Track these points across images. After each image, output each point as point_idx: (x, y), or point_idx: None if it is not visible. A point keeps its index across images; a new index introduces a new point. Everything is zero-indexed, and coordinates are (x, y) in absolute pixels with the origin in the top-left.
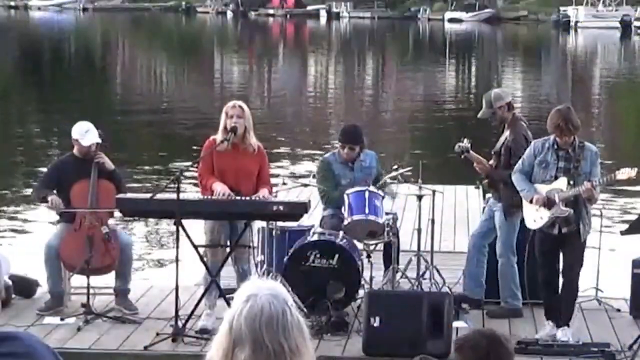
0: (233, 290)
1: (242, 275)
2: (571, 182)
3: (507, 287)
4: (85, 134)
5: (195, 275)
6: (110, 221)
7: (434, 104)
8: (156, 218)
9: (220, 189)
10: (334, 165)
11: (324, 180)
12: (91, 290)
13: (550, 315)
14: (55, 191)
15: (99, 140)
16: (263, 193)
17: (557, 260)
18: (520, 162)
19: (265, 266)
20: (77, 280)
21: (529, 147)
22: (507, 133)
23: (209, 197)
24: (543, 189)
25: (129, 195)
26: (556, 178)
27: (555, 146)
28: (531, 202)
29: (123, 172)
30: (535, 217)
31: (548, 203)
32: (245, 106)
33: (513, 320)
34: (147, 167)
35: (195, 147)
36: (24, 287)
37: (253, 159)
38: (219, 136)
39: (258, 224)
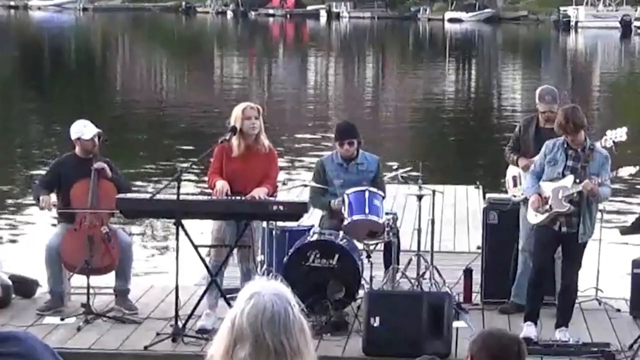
0: (235, 290)
1: (247, 275)
2: (577, 181)
3: (525, 284)
4: (84, 129)
5: (195, 275)
6: (111, 221)
7: (434, 103)
8: (156, 218)
9: (219, 187)
10: (328, 166)
11: (315, 180)
12: (91, 290)
13: (530, 317)
14: (55, 190)
15: (99, 130)
16: (259, 192)
17: (552, 255)
18: (533, 163)
19: (265, 266)
20: (77, 280)
21: (542, 149)
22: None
23: (209, 197)
24: (549, 186)
25: (129, 195)
26: (563, 176)
27: (565, 145)
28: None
29: (122, 170)
30: (536, 211)
31: (544, 205)
32: (259, 107)
33: (513, 320)
34: (147, 167)
35: (195, 147)
36: (24, 287)
37: (263, 160)
38: (231, 139)
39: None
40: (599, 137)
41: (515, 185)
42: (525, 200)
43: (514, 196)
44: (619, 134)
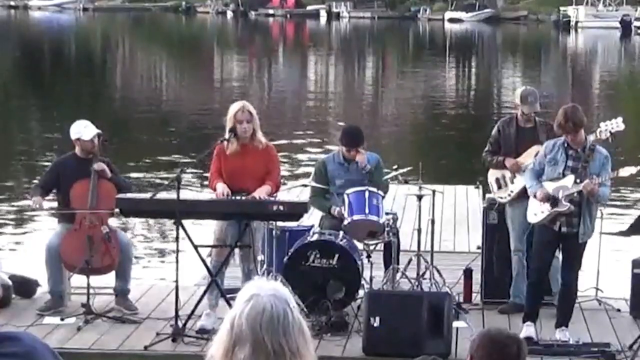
0: (235, 290)
1: (248, 276)
2: (577, 181)
3: (522, 284)
4: (84, 129)
5: (195, 275)
6: (110, 221)
7: (434, 103)
8: (156, 218)
9: (220, 190)
10: (329, 166)
11: (316, 180)
12: (91, 290)
13: (530, 317)
14: (55, 190)
15: (99, 131)
16: (261, 191)
17: (552, 255)
18: (532, 162)
19: (265, 266)
20: (77, 280)
21: (542, 147)
22: (540, 132)
23: (210, 197)
24: (550, 186)
25: (129, 195)
26: (564, 176)
27: (566, 145)
28: (535, 197)
29: (121, 170)
30: (536, 210)
31: (552, 200)
32: (252, 108)
33: (513, 320)
34: (147, 167)
35: (195, 147)
36: (24, 287)
37: (261, 156)
38: (231, 138)
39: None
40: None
41: (499, 187)
42: (512, 202)
43: (501, 198)
44: (616, 124)
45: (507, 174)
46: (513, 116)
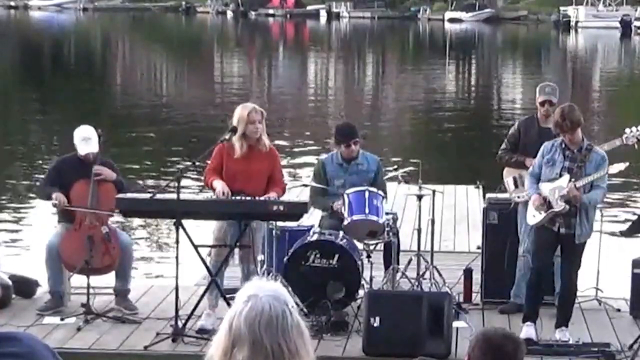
0: (235, 290)
1: (248, 276)
2: (573, 180)
3: (524, 284)
4: (82, 141)
5: (195, 275)
6: (110, 221)
7: (434, 103)
8: (156, 218)
9: (220, 188)
10: (328, 167)
11: (316, 180)
12: (91, 290)
13: (530, 317)
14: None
15: (95, 151)
16: (270, 196)
17: (551, 256)
18: (532, 165)
19: (265, 266)
20: (77, 280)
21: (540, 149)
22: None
23: (210, 197)
24: (547, 186)
25: (129, 195)
26: (561, 176)
27: (563, 145)
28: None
29: (121, 170)
30: (534, 212)
31: (545, 204)
32: (263, 110)
33: (513, 320)
34: (147, 167)
35: (195, 147)
36: (24, 287)
37: (265, 159)
38: (231, 138)
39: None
40: (601, 137)
41: (516, 186)
42: (526, 202)
43: (518, 197)
44: None
45: (525, 173)
46: (533, 116)
